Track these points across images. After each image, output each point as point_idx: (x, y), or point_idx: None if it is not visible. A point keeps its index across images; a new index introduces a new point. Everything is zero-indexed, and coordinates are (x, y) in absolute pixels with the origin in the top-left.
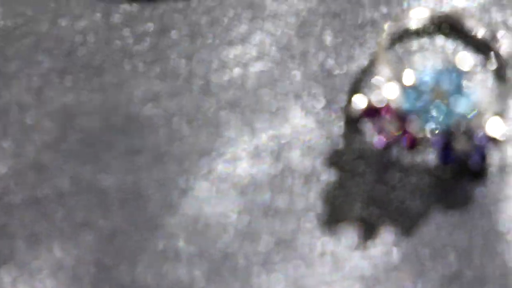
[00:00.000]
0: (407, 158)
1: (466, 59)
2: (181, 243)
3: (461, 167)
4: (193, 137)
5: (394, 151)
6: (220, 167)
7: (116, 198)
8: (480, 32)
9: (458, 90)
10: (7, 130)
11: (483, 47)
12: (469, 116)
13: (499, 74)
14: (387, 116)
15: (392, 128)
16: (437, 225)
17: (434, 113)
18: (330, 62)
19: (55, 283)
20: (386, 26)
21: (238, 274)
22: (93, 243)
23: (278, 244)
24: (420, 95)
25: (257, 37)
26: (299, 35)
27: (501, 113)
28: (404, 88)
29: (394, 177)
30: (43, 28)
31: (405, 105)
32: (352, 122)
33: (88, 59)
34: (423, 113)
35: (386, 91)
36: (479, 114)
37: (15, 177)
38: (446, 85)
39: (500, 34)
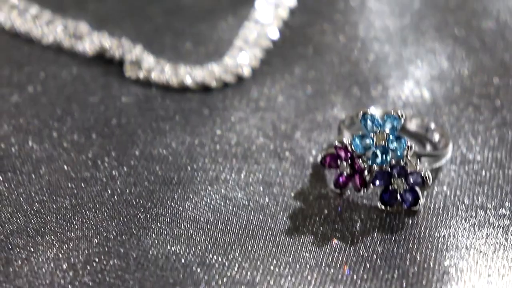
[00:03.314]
0: (358, 196)
1: (401, 111)
2: None
3: (398, 204)
4: None
5: (348, 191)
6: None
7: None
8: (413, 125)
9: (395, 133)
10: None
11: (416, 135)
12: (404, 155)
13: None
14: (343, 162)
15: (346, 170)
16: (374, 241)
17: (377, 153)
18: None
19: None
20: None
21: None
22: None
23: None
24: (365, 139)
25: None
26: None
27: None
28: (354, 136)
29: (345, 212)
30: None
31: (356, 149)
32: (317, 170)
33: None
34: (370, 155)
35: (341, 140)
36: (412, 160)
37: None
38: (386, 129)
39: (432, 126)
